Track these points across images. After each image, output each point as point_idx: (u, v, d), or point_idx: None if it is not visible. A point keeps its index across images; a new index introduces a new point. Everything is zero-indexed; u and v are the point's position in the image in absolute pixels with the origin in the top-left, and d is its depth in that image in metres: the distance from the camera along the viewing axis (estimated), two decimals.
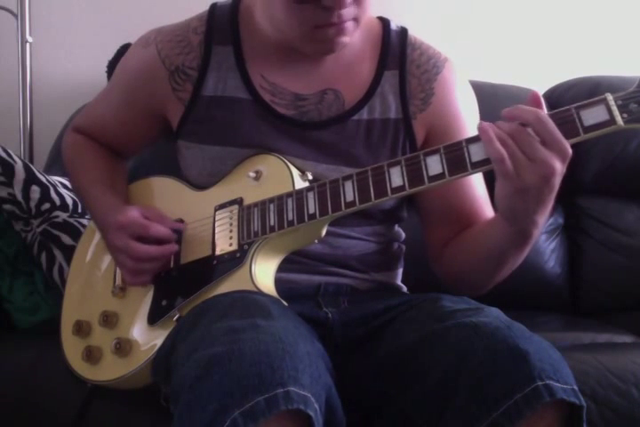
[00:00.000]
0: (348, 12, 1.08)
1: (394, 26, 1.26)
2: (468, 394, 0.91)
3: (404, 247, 1.34)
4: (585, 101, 0.96)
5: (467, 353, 0.93)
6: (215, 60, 1.22)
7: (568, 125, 0.96)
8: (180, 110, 1.24)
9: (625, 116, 0.94)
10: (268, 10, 1.16)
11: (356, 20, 1.11)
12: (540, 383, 0.88)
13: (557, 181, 0.97)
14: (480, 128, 0.98)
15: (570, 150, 0.96)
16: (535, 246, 1.70)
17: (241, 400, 0.82)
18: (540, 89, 1.93)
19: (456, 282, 1.23)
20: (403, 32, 1.25)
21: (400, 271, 1.33)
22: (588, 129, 0.95)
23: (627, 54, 2.12)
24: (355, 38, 1.21)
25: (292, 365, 0.85)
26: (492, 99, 1.70)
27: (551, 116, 0.97)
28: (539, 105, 0.99)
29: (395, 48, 1.23)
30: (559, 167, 0.96)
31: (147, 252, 1.15)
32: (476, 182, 1.23)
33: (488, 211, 1.24)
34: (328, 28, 1.10)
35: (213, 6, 1.26)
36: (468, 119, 1.24)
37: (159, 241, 1.17)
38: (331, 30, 1.10)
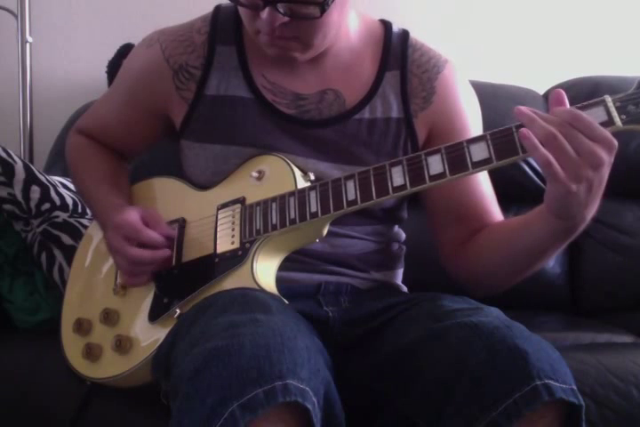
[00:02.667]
0: (284, 30, 1.09)
1: (395, 28, 1.27)
2: (468, 393, 0.91)
3: (404, 248, 1.34)
4: (584, 103, 0.97)
5: (466, 353, 0.94)
6: (218, 60, 1.23)
7: None
8: (183, 109, 1.24)
9: (623, 117, 0.95)
10: None
11: (303, 42, 1.13)
12: (538, 383, 0.88)
13: (606, 173, 0.97)
14: (522, 135, 0.96)
15: (614, 140, 0.95)
16: None
17: (239, 393, 0.83)
18: (540, 89, 1.94)
19: (476, 281, 1.22)
20: (404, 34, 1.26)
21: (400, 271, 1.33)
22: None
23: (627, 54, 2.13)
24: (355, 40, 1.22)
25: (291, 358, 0.86)
26: (491, 99, 1.70)
27: None
28: (562, 103, 0.99)
29: (396, 49, 1.24)
30: (606, 158, 0.95)
31: (138, 256, 1.16)
32: (483, 180, 1.24)
33: (496, 209, 1.24)
34: (267, 36, 1.11)
35: (218, 8, 1.27)
36: (471, 118, 1.25)
37: (152, 246, 1.17)
38: (270, 39, 1.11)
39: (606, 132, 0.95)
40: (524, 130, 0.96)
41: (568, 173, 0.95)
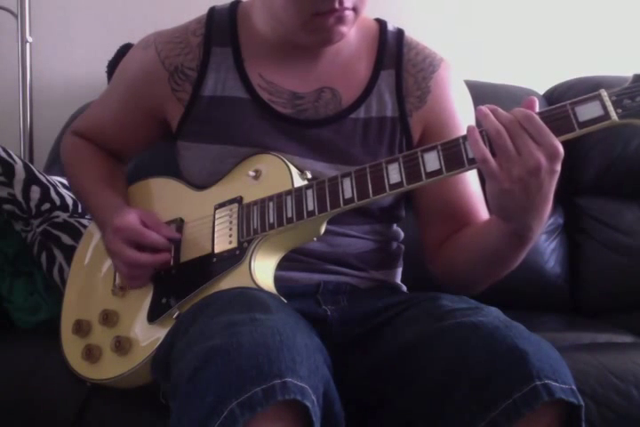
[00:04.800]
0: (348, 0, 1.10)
1: (391, 27, 1.27)
2: (467, 394, 0.91)
3: (402, 247, 1.34)
4: (580, 97, 0.97)
5: (466, 353, 0.94)
6: (214, 61, 1.24)
7: (563, 121, 0.97)
8: (179, 111, 1.25)
9: (619, 111, 0.95)
10: (267, 5, 1.17)
11: (355, 9, 1.13)
12: (538, 383, 0.88)
13: (546, 180, 0.98)
14: (468, 129, 1.00)
15: (559, 147, 0.96)
16: (535, 246, 1.70)
17: (239, 391, 0.83)
18: (540, 89, 1.94)
19: (451, 281, 1.23)
20: (399, 33, 1.27)
21: (399, 270, 1.33)
22: (582, 124, 0.96)
23: (627, 54, 2.12)
24: (352, 38, 1.23)
25: (290, 356, 0.86)
26: (492, 99, 1.69)
27: (546, 112, 0.98)
28: (531, 109, 1.00)
29: (391, 48, 1.25)
30: (545, 163, 0.96)
31: (137, 259, 1.16)
32: (471, 180, 1.24)
33: (482, 209, 1.25)
34: (328, 16, 1.11)
35: (212, 10, 1.28)
36: (464, 117, 1.25)
37: (154, 248, 1.17)
38: (331, 18, 1.11)
39: (553, 139, 0.96)
40: (470, 126, 1.00)
41: (503, 170, 0.97)
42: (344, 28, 1.14)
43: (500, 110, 0.99)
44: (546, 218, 1.04)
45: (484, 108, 1.00)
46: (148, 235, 1.16)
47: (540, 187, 0.98)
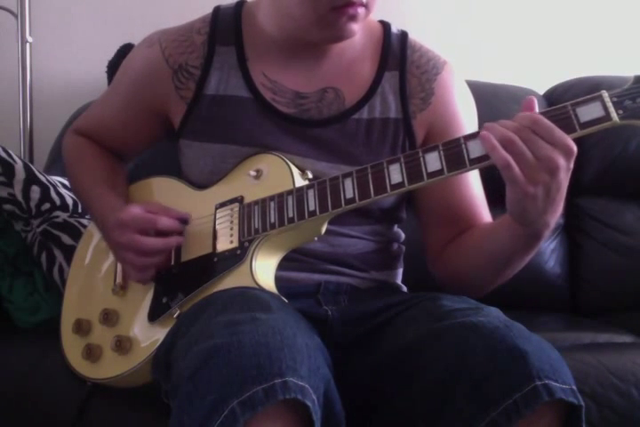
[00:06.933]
0: None
1: (394, 29, 1.28)
2: (467, 394, 0.91)
3: (403, 248, 1.34)
4: (581, 98, 0.97)
5: (466, 353, 0.94)
6: (218, 60, 1.24)
7: (564, 122, 0.97)
8: (182, 109, 1.25)
9: (620, 112, 0.95)
10: (277, 3, 1.18)
11: (367, 7, 1.13)
12: (538, 383, 0.88)
13: (564, 178, 0.98)
14: (482, 137, 0.98)
15: (573, 145, 0.96)
16: None
17: (239, 390, 0.83)
18: (540, 89, 1.94)
19: (456, 284, 1.23)
20: (403, 35, 1.27)
21: (400, 271, 1.33)
22: (584, 125, 0.96)
23: (627, 54, 2.13)
24: (356, 39, 1.23)
25: (291, 356, 0.86)
26: (492, 99, 1.71)
27: (547, 113, 0.98)
28: (532, 109, 1.00)
29: (395, 50, 1.25)
30: (563, 163, 0.96)
31: (153, 245, 1.15)
32: (473, 182, 1.24)
33: (485, 212, 1.25)
34: (343, 12, 1.11)
35: (217, 9, 1.28)
36: (467, 120, 1.25)
37: (163, 233, 1.17)
38: (344, 16, 1.12)
39: (565, 137, 0.96)
40: (484, 132, 0.98)
41: (526, 176, 0.96)
42: (355, 26, 1.15)
43: (504, 120, 0.98)
44: (560, 212, 1.03)
45: (491, 140, 0.97)
46: (159, 219, 1.16)
47: (559, 186, 0.98)
